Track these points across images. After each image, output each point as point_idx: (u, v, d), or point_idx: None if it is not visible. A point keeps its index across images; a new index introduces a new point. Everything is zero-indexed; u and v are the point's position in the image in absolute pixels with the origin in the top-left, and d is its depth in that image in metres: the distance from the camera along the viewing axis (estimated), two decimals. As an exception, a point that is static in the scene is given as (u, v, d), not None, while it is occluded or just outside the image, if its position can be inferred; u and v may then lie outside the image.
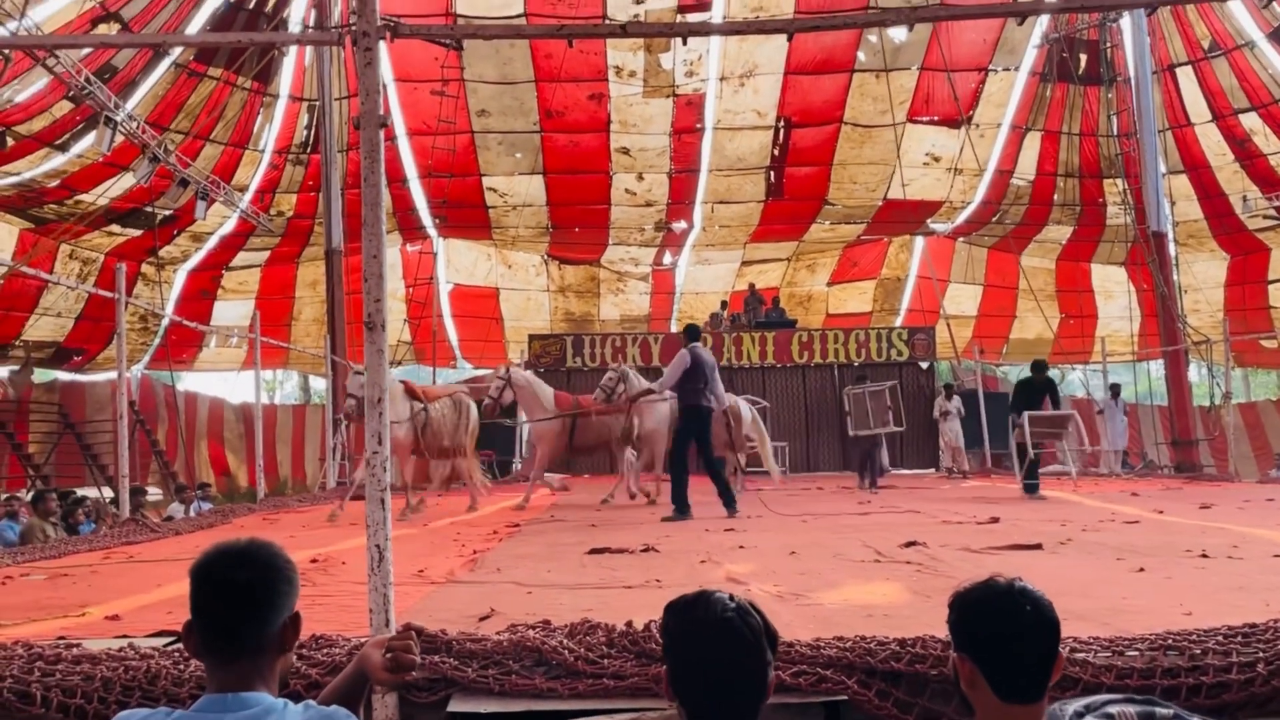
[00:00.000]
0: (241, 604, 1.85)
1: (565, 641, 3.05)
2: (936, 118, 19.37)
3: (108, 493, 15.54)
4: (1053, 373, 21.76)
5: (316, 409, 21.34)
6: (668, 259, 23.64)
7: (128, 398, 11.68)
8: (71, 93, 14.06)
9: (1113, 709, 1.78)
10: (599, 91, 18.56)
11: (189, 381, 22.76)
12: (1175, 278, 19.23)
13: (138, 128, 14.93)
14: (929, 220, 21.67)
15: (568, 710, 2.89)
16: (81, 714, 2.86)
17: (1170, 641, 2.98)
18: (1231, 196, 20.04)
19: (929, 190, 20.68)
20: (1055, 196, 21.41)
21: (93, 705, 2.86)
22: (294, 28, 17.92)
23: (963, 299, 23.26)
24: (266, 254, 21.34)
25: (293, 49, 18.17)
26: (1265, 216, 19.95)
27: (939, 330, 19.90)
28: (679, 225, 22.06)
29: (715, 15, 17.49)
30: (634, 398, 10.72)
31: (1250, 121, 19.00)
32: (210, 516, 11.38)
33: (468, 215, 20.55)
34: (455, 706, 2.91)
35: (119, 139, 14.47)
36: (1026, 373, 13.26)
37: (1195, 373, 19.86)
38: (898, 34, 17.85)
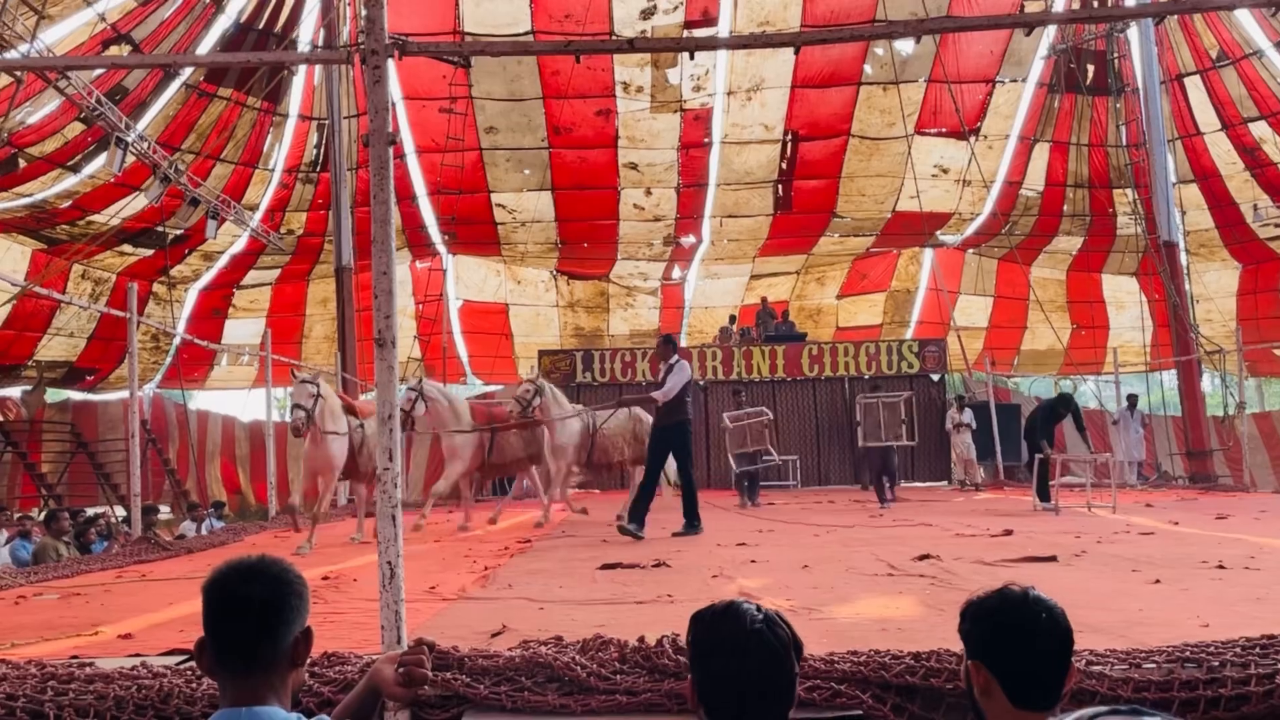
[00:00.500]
0: (253, 619, 1.85)
1: (577, 658, 3.03)
2: (944, 130, 19.38)
3: (120, 511, 15.57)
4: (1065, 384, 21.74)
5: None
6: (676, 273, 23.66)
7: (140, 417, 11.73)
8: (83, 114, 14.18)
9: None
10: (607, 107, 18.62)
11: (200, 400, 22.82)
12: (1187, 287, 19.16)
13: (149, 148, 15.03)
14: (938, 232, 21.64)
15: (580, 727, 2.87)
16: (94, 733, 2.86)
17: (1188, 653, 2.95)
18: (1242, 205, 19.98)
19: (938, 202, 20.67)
20: (1065, 207, 21.37)
21: (105, 724, 2.86)
22: (303, 48, 18.05)
23: (973, 311, 23.19)
24: (277, 272, 21.43)
25: (302, 69, 18.31)
26: (1276, 225, 19.86)
27: (950, 342, 19.85)
28: (687, 240, 22.09)
29: (722, 30, 17.55)
30: (628, 402, 10.57)
31: (1260, 130, 18.94)
32: (222, 534, 11.41)
33: (477, 232, 20.62)
34: (468, 723, 2.90)
35: (130, 159, 14.57)
36: (1048, 394, 13.25)
37: (1208, 383, 19.76)
38: (905, 47, 17.87)
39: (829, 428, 19.17)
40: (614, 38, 16.32)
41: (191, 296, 21.43)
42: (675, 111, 18.87)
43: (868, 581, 5.58)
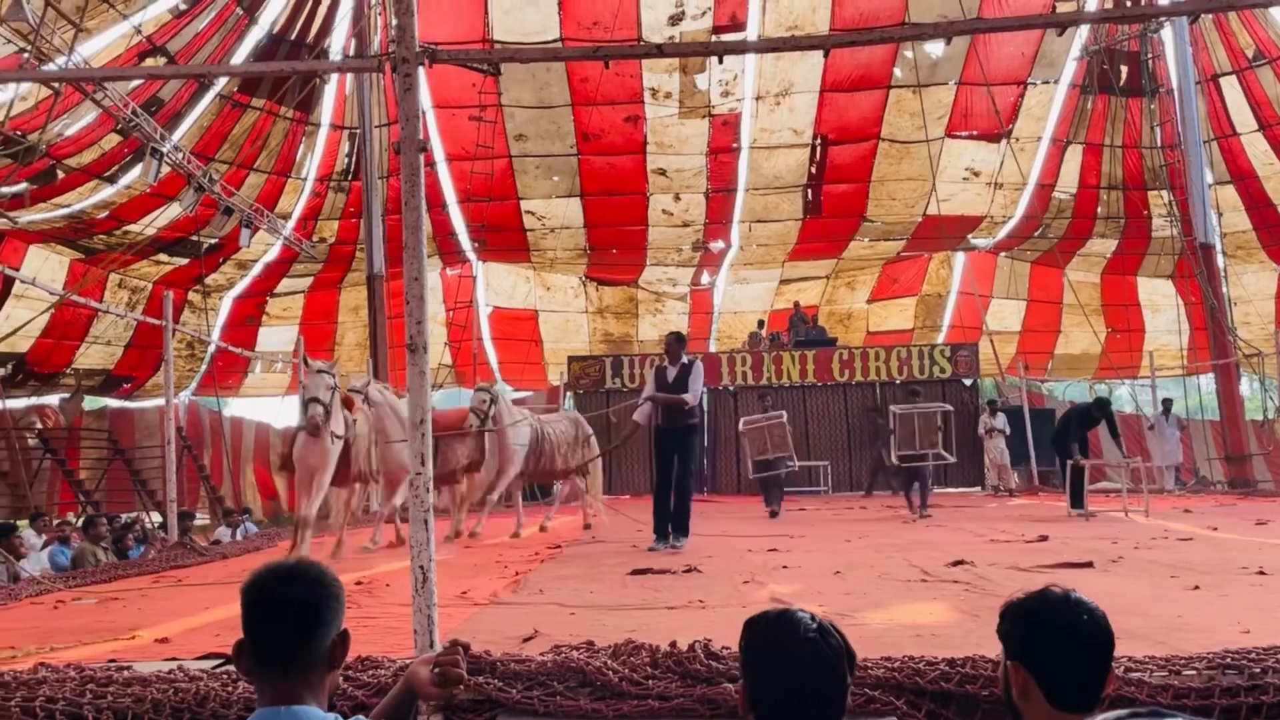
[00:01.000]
0: (292, 621, 1.88)
1: (609, 662, 3.03)
2: (975, 132, 19.24)
3: (156, 517, 15.76)
4: (1100, 388, 21.48)
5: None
6: (705, 279, 23.63)
7: (175, 424, 11.86)
8: (119, 125, 14.39)
9: None
10: (635, 114, 18.65)
11: (234, 407, 23.06)
12: (1224, 290, 18.87)
13: (183, 158, 15.24)
14: (970, 235, 21.47)
15: (613, 731, 2.87)
16: (132, 735, 2.89)
17: (1229, 660, 2.91)
18: (1280, 206, 19.67)
19: (969, 205, 20.51)
20: (1099, 209, 21.13)
21: (143, 727, 2.89)
22: (334, 58, 18.23)
23: (1005, 315, 22.98)
24: (309, 280, 21.64)
25: (334, 78, 18.48)
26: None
27: (982, 347, 19.68)
28: (716, 245, 22.06)
29: (750, 35, 17.53)
30: (659, 400, 8.63)
31: (1298, 130, 18.66)
32: (256, 540, 11.52)
33: (506, 239, 20.71)
34: (500, 728, 2.91)
35: (165, 170, 14.77)
36: (1082, 399, 13.01)
37: (1247, 386, 19.45)
38: (934, 49, 17.77)
39: (860, 433, 19.05)
40: (642, 43, 16.35)
41: (226, 305, 21.68)
42: (704, 117, 18.87)
43: (901, 587, 5.54)
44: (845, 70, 17.90)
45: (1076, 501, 10.94)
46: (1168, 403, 17.82)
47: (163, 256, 18.96)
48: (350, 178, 19.55)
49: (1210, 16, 18.04)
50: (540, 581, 6.21)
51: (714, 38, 17.33)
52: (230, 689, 2.97)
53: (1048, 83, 19.18)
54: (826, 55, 14.42)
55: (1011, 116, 19.11)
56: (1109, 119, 19.87)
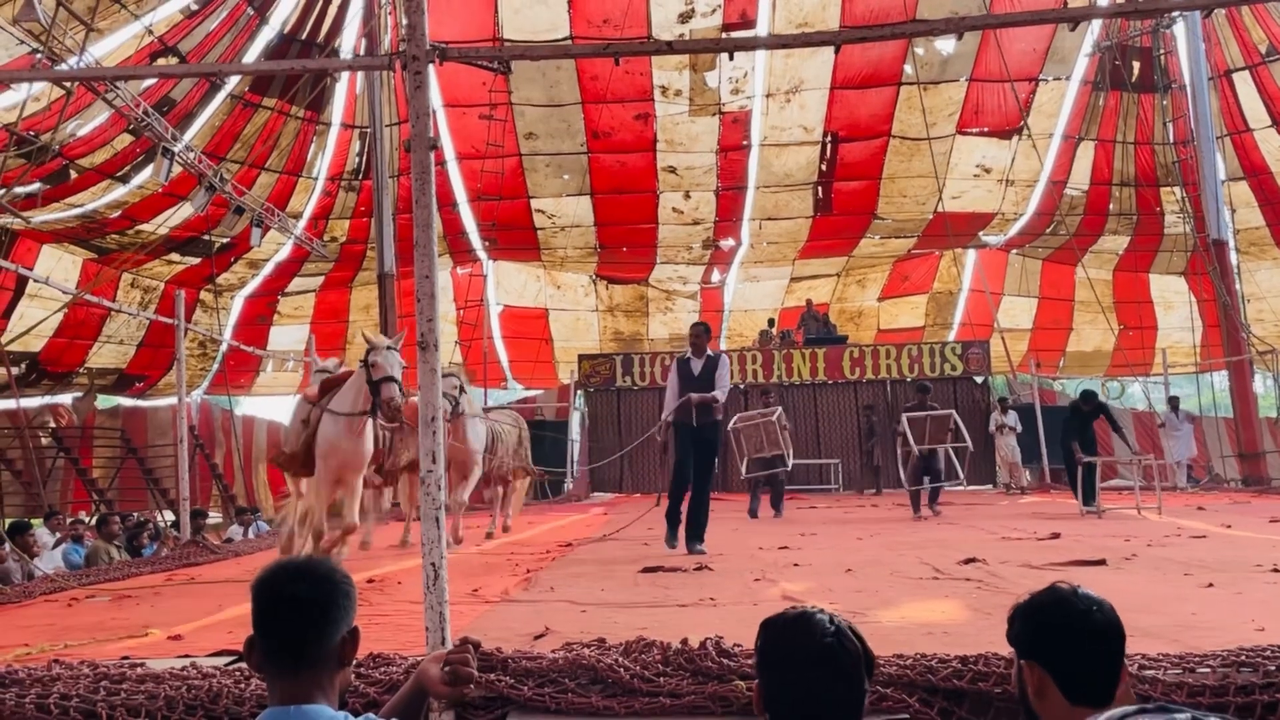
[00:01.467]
0: (302, 618, 1.88)
1: (621, 659, 3.03)
2: (987, 129, 19.17)
3: (169, 516, 15.83)
4: (1112, 385, 21.35)
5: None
6: (716, 277, 23.62)
7: (188, 422, 11.90)
8: (131, 126, 14.45)
9: None
10: (645, 111, 18.65)
11: (246, 406, 23.16)
12: (1238, 286, 18.78)
13: (195, 158, 15.29)
14: (981, 233, 21.40)
15: (624, 728, 2.87)
16: (145, 732, 2.90)
17: (1243, 658, 2.89)
18: (1294, 202, 19.55)
19: (980, 202, 20.44)
20: (1111, 206, 21.04)
21: (156, 723, 2.90)
22: (345, 56, 18.27)
23: (1017, 312, 22.89)
24: (321, 279, 21.70)
25: (344, 78, 18.52)
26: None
27: (993, 344, 19.61)
28: (727, 243, 22.04)
29: (760, 32, 17.51)
30: (695, 400, 7.79)
31: (1312, 125, 18.54)
32: (269, 538, 11.55)
33: (517, 237, 20.74)
34: (512, 725, 2.91)
35: (177, 170, 14.83)
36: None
37: (1261, 383, 19.33)
38: (945, 46, 17.72)
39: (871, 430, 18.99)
40: (652, 40, 16.34)
41: (237, 304, 21.76)
42: (714, 114, 18.85)
43: (912, 585, 5.53)
44: (856, 67, 17.85)
45: (1088, 499, 10.89)
46: (1174, 400, 17.74)
47: (175, 256, 19.05)
48: (361, 177, 19.60)
49: (1223, 11, 17.94)
50: (551, 579, 6.21)
51: (724, 35, 17.31)
52: (243, 686, 2.98)
53: (1059, 79, 19.10)
54: (837, 52, 14.40)
55: (1023, 112, 19.04)
56: (1121, 115, 19.78)
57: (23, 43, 12.49)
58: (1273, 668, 2.81)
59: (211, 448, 19.45)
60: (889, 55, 17.81)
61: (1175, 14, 16.99)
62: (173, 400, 14.91)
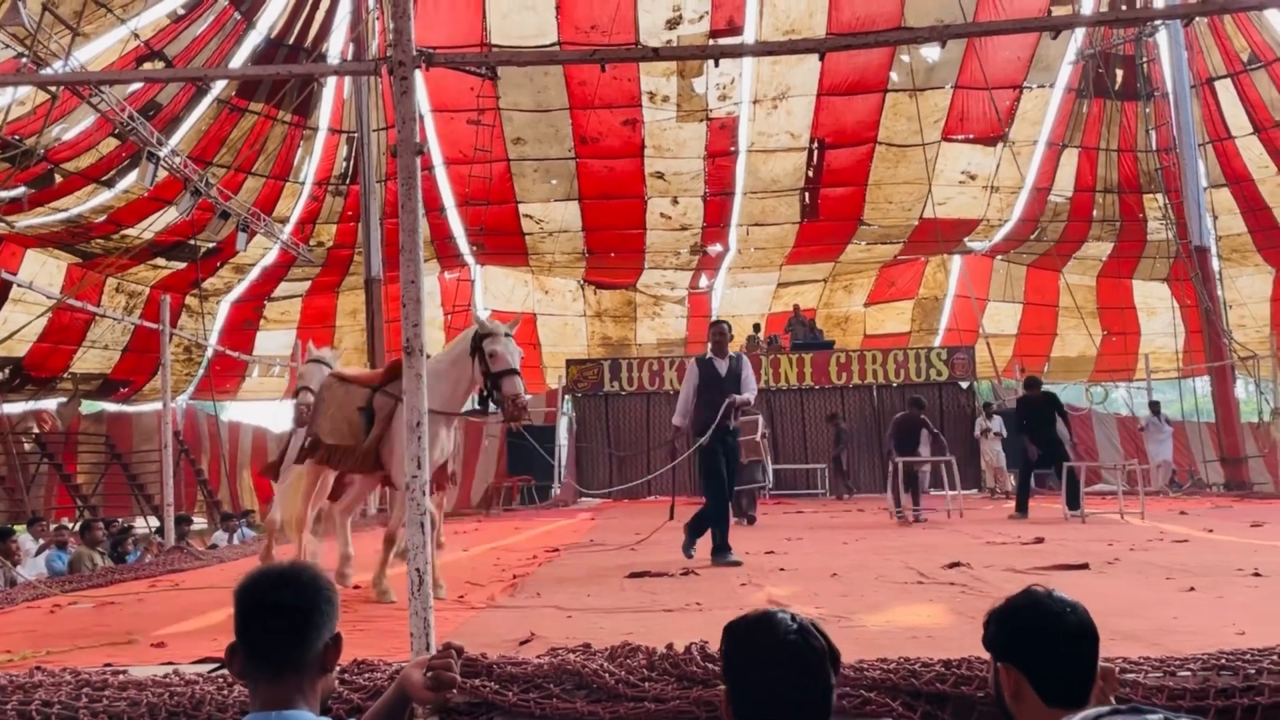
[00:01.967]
0: (285, 624, 1.88)
1: (606, 665, 3.03)
2: (972, 136, 19.27)
3: (154, 522, 15.75)
4: (1095, 390, 21.48)
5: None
6: (704, 282, 23.65)
7: (173, 428, 11.85)
8: (116, 130, 14.40)
9: None
10: (633, 117, 18.68)
11: (232, 411, 23.06)
12: (1219, 292, 18.91)
13: (181, 163, 15.25)
14: (966, 239, 21.51)
15: (609, 734, 2.87)
16: (128, 739, 2.89)
17: (1224, 661, 2.92)
18: (1275, 209, 19.70)
19: (965, 209, 20.55)
20: (1094, 212, 21.17)
21: (139, 730, 2.89)
22: (333, 61, 18.26)
23: (1002, 318, 23.01)
24: (307, 284, 21.65)
25: (331, 83, 18.51)
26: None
27: (978, 349, 19.70)
28: (714, 248, 22.09)
29: (747, 39, 17.57)
30: (737, 405, 7.58)
31: (1293, 133, 18.69)
32: (254, 544, 11.49)
33: (504, 242, 20.73)
34: (496, 730, 2.91)
35: (162, 174, 14.78)
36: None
37: (1242, 389, 19.46)
38: (931, 53, 17.81)
39: (859, 435, 19.04)
40: (639, 46, 16.37)
41: (223, 309, 21.68)
42: (701, 120, 18.90)
43: (897, 589, 5.55)
44: (842, 74, 17.93)
45: (1072, 504, 10.93)
46: (1155, 405, 17.85)
47: (160, 260, 18.97)
48: (348, 181, 19.57)
49: (1205, 21, 18.09)
50: (538, 584, 6.21)
51: (711, 41, 17.36)
52: (226, 693, 2.97)
53: (1043, 86, 19.23)
54: (822, 59, 14.44)
55: (1008, 120, 19.16)
56: (1104, 123, 19.92)
57: (8, 46, 12.44)
58: (1252, 671, 2.83)
59: (197, 453, 19.37)
60: (875, 62, 17.89)
61: (1158, 23, 17.16)
62: (158, 406, 14.85)
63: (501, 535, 10.91)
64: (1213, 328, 17.19)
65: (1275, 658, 2.91)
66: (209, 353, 20.51)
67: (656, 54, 4.35)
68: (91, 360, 19.74)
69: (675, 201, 20.47)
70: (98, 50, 14.61)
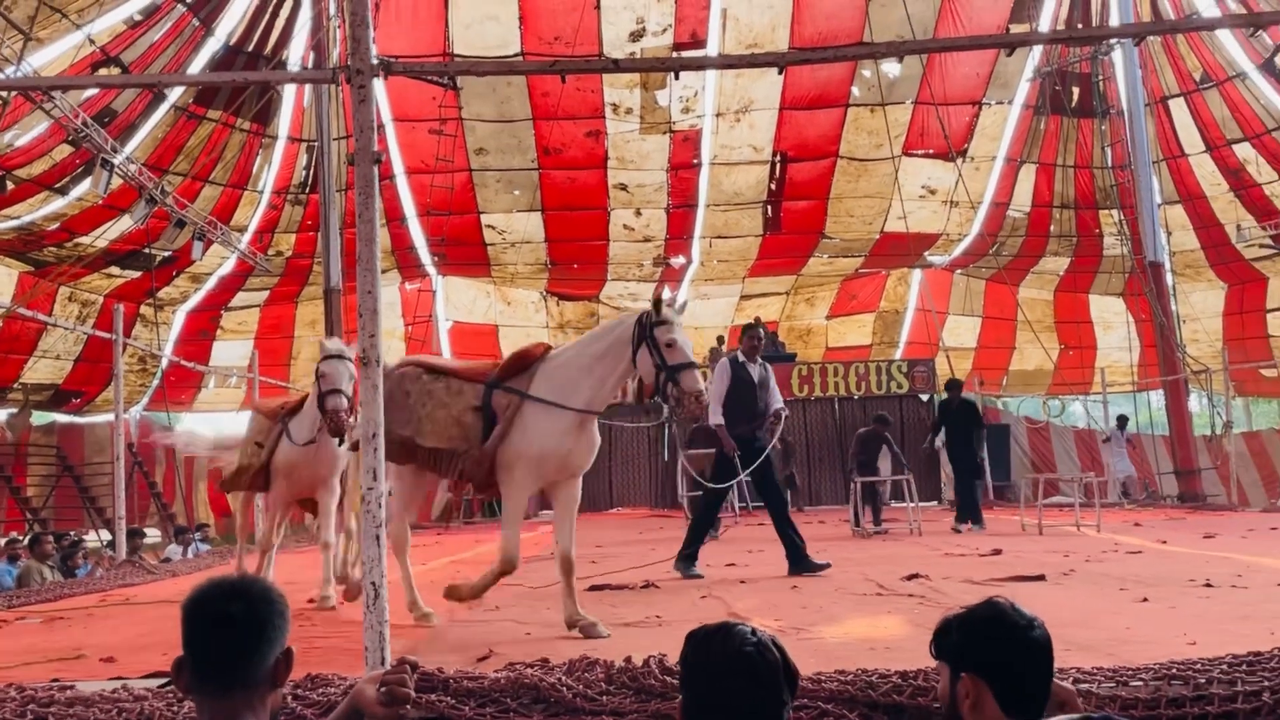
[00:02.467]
0: (236, 637, 1.84)
1: (563, 679, 3.01)
2: (932, 151, 19.50)
3: (106, 535, 15.46)
4: (1053, 403, 21.78)
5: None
6: (666, 294, 23.68)
7: (126, 439, 11.64)
8: (70, 137, 14.17)
9: None
10: (596, 129, 18.69)
11: (188, 422, 22.70)
12: (1173, 307, 19.26)
13: (136, 170, 15.03)
14: (926, 253, 21.74)
15: (566, 748, 2.85)
16: (73, 758, 2.83)
17: (1175, 671, 2.95)
18: (1227, 226, 20.11)
19: (926, 223, 20.76)
20: (1051, 228, 21.49)
21: (84, 749, 2.83)
22: (293, 69, 18.09)
23: (961, 331, 23.27)
24: (265, 294, 21.40)
25: (291, 90, 18.34)
26: (1261, 245, 20.02)
27: (938, 363, 19.89)
28: (677, 260, 22.14)
29: (710, 52, 17.66)
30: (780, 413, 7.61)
31: (1243, 152, 19.10)
32: (208, 558, 11.34)
33: (466, 253, 20.63)
34: (452, 746, 2.87)
35: (116, 182, 14.57)
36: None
37: (1196, 402, 19.82)
38: (891, 69, 18.01)
39: (819, 448, 19.12)
40: (600, 58, 16.40)
41: (179, 319, 21.36)
42: (665, 133, 18.96)
43: (856, 601, 5.57)
44: (804, 88, 18.08)
45: (970, 518, 11.14)
46: (1123, 418, 18.12)
47: (114, 269, 18.67)
48: (308, 191, 19.39)
49: (1159, 41, 18.49)
50: (496, 599, 6.16)
51: (674, 54, 17.43)
52: (175, 709, 2.91)
53: (1002, 103, 19.51)
54: (781, 72, 14.56)
55: (967, 136, 19.41)
56: (1061, 139, 20.25)
57: (-42, 50, 12.22)
58: (1203, 680, 2.87)
59: (151, 466, 19.03)
60: (837, 77, 18.06)
61: (1113, 41, 17.49)
62: (110, 417, 14.60)
63: (461, 549, 10.83)
64: (1167, 342, 17.48)
65: (1225, 667, 2.95)
66: (164, 363, 20.19)
67: (617, 65, 4.36)
68: (43, 370, 19.36)
69: (639, 213, 20.50)
70: (52, 55, 14.38)
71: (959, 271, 22.87)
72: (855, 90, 18.43)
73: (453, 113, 17.54)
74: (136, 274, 18.73)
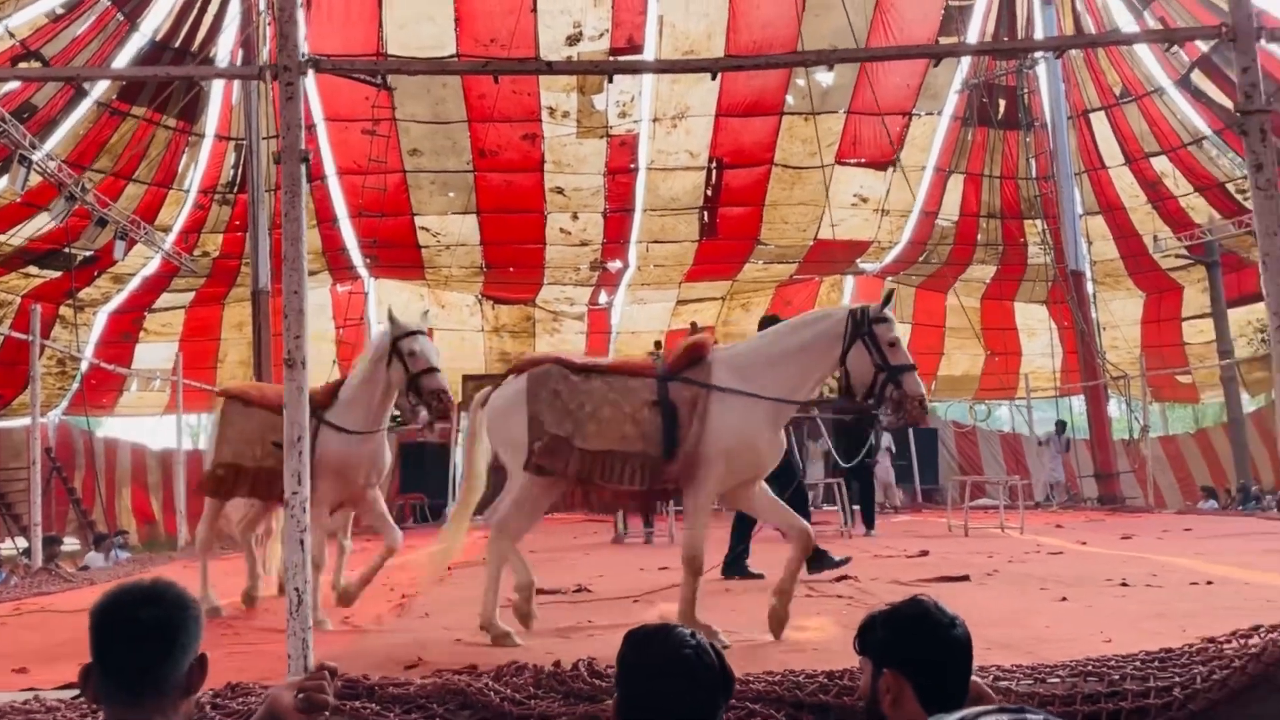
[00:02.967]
0: (149, 644, 1.79)
1: (491, 683, 3.00)
2: (864, 160, 19.78)
3: (21, 543, 14.94)
4: (979, 408, 22.22)
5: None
6: (603, 298, 23.66)
7: (43, 444, 11.28)
8: (-13, 131, 13.72)
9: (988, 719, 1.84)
10: (532, 132, 18.62)
11: (109, 427, 22.05)
12: (1094, 315, 19.80)
13: (56, 167, 14.60)
14: (858, 260, 22.04)
15: (493, 754, 2.83)
16: (-21, 772, 2.73)
17: (1090, 668, 3.03)
18: (1145, 236, 20.72)
19: (858, 231, 21.05)
20: (979, 237, 21.92)
21: (-9, 763, 2.74)
22: (221, 65, 17.74)
23: (892, 337, 23.58)
24: (191, 295, 20.90)
25: (219, 87, 17.97)
26: (1177, 255, 20.67)
27: (869, 368, 20.13)
28: (614, 265, 22.14)
29: (647, 57, 17.74)
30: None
31: (1161, 165, 19.69)
32: (128, 565, 11.03)
33: (399, 255, 20.38)
34: (377, 753, 2.83)
35: (35, 179, 14.13)
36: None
37: (1115, 407, 20.40)
38: (825, 78, 18.24)
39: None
40: (535, 60, 16.35)
41: (100, 320, 20.75)
42: (601, 137, 18.96)
43: (786, 603, 5.61)
44: (740, 95, 18.23)
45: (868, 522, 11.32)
46: (1061, 424, 18.55)
47: (32, 269, 18.08)
48: (236, 190, 19.00)
49: (1081, 55, 18.99)
50: (427, 605, 6.11)
51: (610, 58, 17.45)
52: (89, 719, 2.83)
53: (931, 114, 19.87)
54: (714, 78, 14.65)
55: (897, 145, 19.74)
56: (988, 150, 20.68)
57: None
58: (1117, 677, 2.95)
59: (71, 471, 18.44)
60: (772, 85, 18.23)
61: (1037, 55, 17.94)
62: (27, 421, 14.13)
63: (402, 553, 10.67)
64: (1087, 349, 17.96)
65: (1138, 664, 3.04)
66: (84, 366, 19.61)
67: (550, 68, 4.36)
68: (-45, 373, 18.67)
69: (575, 217, 20.46)
70: (-33, 48, 13.94)
71: (890, 279, 23.22)
72: (790, 99, 18.63)
73: (386, 113, 17.34)
74: (56, 274, 18.16)
